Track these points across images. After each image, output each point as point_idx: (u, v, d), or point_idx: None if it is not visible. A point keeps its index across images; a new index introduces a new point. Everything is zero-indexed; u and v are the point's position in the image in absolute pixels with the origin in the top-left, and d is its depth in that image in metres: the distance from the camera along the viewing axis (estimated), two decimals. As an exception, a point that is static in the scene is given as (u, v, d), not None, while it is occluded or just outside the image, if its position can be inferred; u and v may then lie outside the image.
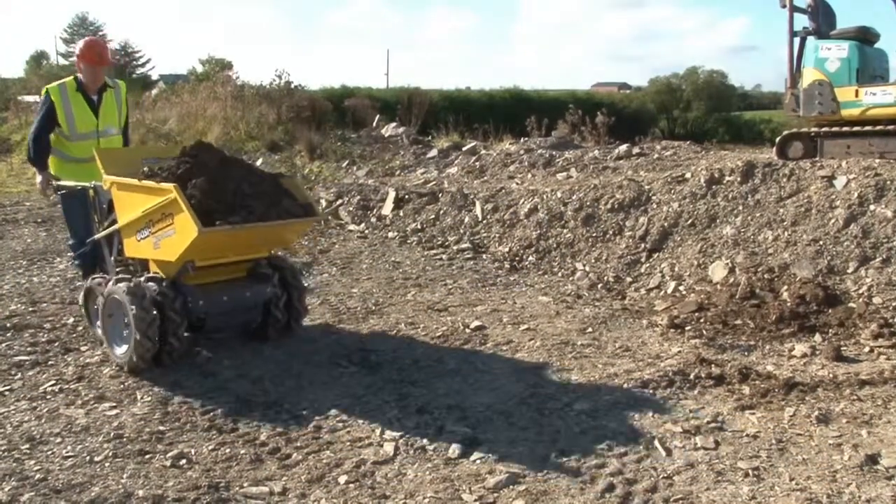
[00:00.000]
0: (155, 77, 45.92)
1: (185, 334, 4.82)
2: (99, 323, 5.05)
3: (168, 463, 3.63)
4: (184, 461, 3.66)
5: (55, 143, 5.93)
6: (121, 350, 4.78)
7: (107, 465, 3.61)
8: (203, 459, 3.69)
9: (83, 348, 5.25)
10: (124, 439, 3.87)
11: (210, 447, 3.81)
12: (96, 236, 5.30)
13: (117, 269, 5.15)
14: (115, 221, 5.03)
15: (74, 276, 7.20)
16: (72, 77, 6.00)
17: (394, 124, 16.36)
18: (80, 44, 6.08)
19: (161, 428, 4.02)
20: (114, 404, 4.32)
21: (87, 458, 3.68)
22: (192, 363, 4.90)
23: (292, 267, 5.45)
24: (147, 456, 3.71)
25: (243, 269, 5.14)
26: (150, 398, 4.40)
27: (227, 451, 3.78)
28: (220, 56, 27.16)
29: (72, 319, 5.83)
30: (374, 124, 17.07)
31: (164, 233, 4.57)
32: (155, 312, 4.57)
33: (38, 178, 5.95)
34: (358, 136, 15.52)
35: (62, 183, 5.72)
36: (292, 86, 18.25)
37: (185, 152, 4.84)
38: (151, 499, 3.29)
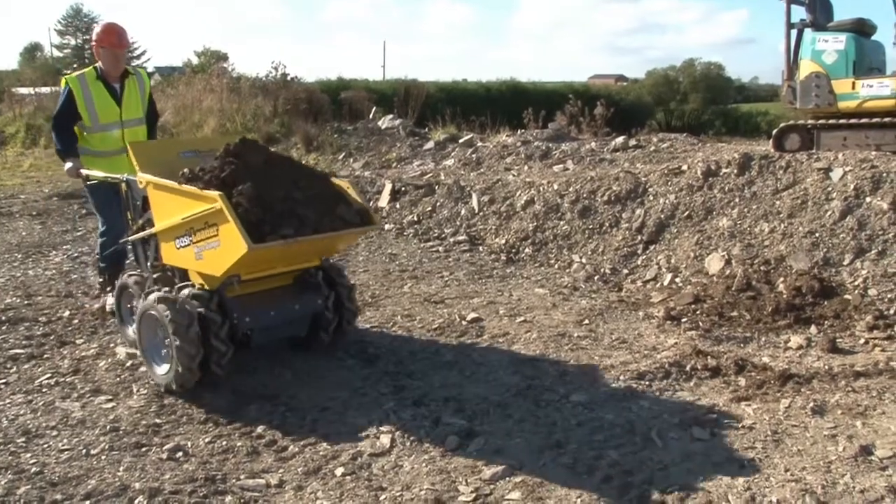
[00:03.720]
0: (150, 69, 45.71)
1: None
2: (133, 328, 4.72)
3: (164, 455, 3.64)
4: (180, 454, 3.66)
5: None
6: (160, 370, 4.39)
7: (103, 458, 3.62)
8: (199, 452, 3.69)
9: (79, 341, 5.25)
10: (120, 432, 3.87)
11: (206, 440, 3.81)
12: (129, 237, 4.91)
13: (154, 275, 4.73)
14: (150, 220, 4.65)
15: (70, 270, 7.19)
16: (91, 67, 5.73)
17: (390, 116, 16.30)
18: (98, 28, 5.78)
19: (157, 421, 4.02)
20: (110, 397, 4.33)
21: (84, 451, 3.68)
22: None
23: (336, 265, 5.04)
24: (143, 449, 3.71)
25: (290, 277, 4.74)
26: (146, 391, 4.40)
27: (224, 443, 3.78)
28: (215, 48, 26.98)
29: (67, 312, 5.82)
30: (371, 116, 17.02)
31: (207, 244, 4.12)
32: (201, 346, 4.19)
33: (67, 166, 5.56)
34: (354, 129, 15.48)
35: (92, 173, 5.36)
36: (288, 78, 18.21)
37: (228, 151, 4.34)
38: (148, 491, 3.29)
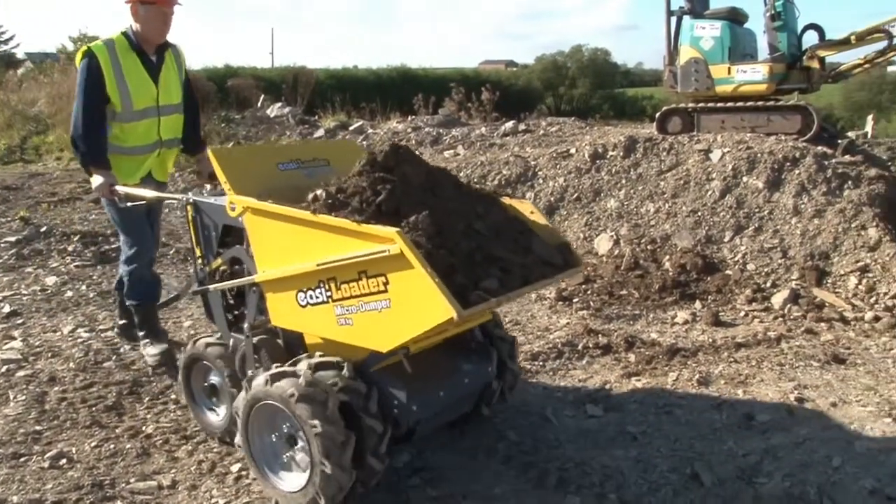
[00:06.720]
0: (21, 55, 43.16)
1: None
2: (216, 416, 3.71)
3: (46, 464, 3.44)
4: (64, 461, 3.47)
5: None
6: (287, 483, 3.05)
7: (-23, 470, 3.39)
8: (85, 458, 3.51)
9: (-52, 347, 4.90)
10: (-4, 442, 3.64)
11: (93, 444, 3.63)
12: (209, 286, 3.55)
13: (254, 338, 3.34)
14: (236, 260, 3.43)
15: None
16: (119, 33, 4.21)
17: (279, 104, 15.98)
18: None
19: (38, 428, 3.80)
20: (-16, 405, 4.06)
21: (-45, 463, 3.44)
22: (68, 357, 4.66)
23: (493, 314, 3.68)
24: (22, 459, 3.50)
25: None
26: (24, 397, 4.14)
27: (112, 446, 3.61)
28: (92, 33, 25.63)
29: (-66, 317, 5.43)
30: (259, 104, 16.63)
31: (362, 304, 2.72)
32: (352, 434, 2.88)
33: (96, 182, 4.06)
34: (242, 117, 15.09)
35: (134, 191, 3.98)
36: (172, 65, 17.55)
37: (375, 163, 2.93)
38: None
